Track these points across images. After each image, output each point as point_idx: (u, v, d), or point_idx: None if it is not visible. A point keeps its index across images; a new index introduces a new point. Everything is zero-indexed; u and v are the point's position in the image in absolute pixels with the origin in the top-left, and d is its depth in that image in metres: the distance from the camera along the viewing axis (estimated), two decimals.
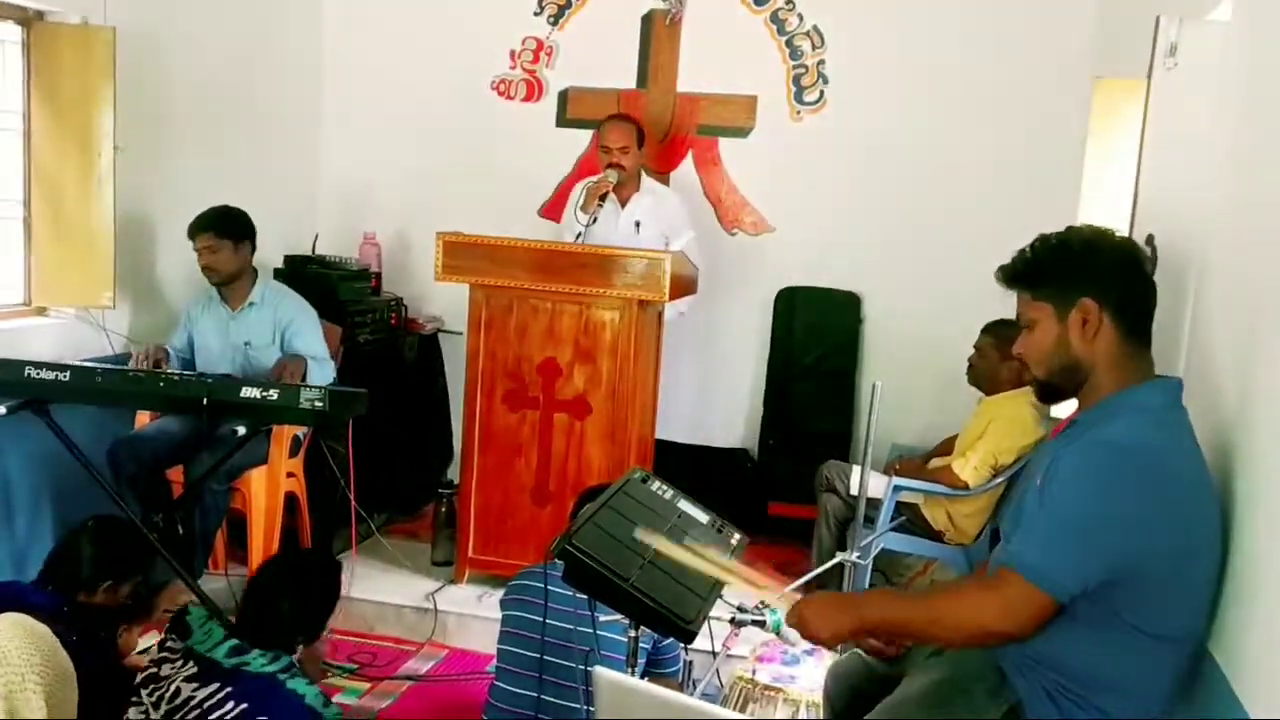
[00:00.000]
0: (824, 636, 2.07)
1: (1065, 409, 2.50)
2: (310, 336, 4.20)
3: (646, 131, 4.99)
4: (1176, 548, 1.90)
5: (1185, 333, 2.45)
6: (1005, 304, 4.17)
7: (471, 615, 3.94)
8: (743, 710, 2.93)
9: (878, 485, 3.89)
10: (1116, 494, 1.89)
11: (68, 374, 3.54)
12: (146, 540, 3.12)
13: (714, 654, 2.87)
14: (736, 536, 2.50)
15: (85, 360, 3.82)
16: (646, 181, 4.54)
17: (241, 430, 3.55)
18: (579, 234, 4.17)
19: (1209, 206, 2.43)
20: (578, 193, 4.37)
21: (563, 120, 5.25)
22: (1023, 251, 2.12)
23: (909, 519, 4.04)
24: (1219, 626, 1.98)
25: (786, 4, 4.97)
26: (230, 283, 4.16)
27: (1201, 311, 2.39)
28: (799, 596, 2.16)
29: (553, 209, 5.11)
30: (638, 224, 4.40)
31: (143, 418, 4.13)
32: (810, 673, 2.97)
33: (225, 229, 4.09)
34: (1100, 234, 2.07)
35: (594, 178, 4.39)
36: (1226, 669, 1.93)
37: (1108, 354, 2.03)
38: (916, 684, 2.16)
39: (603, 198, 4.23)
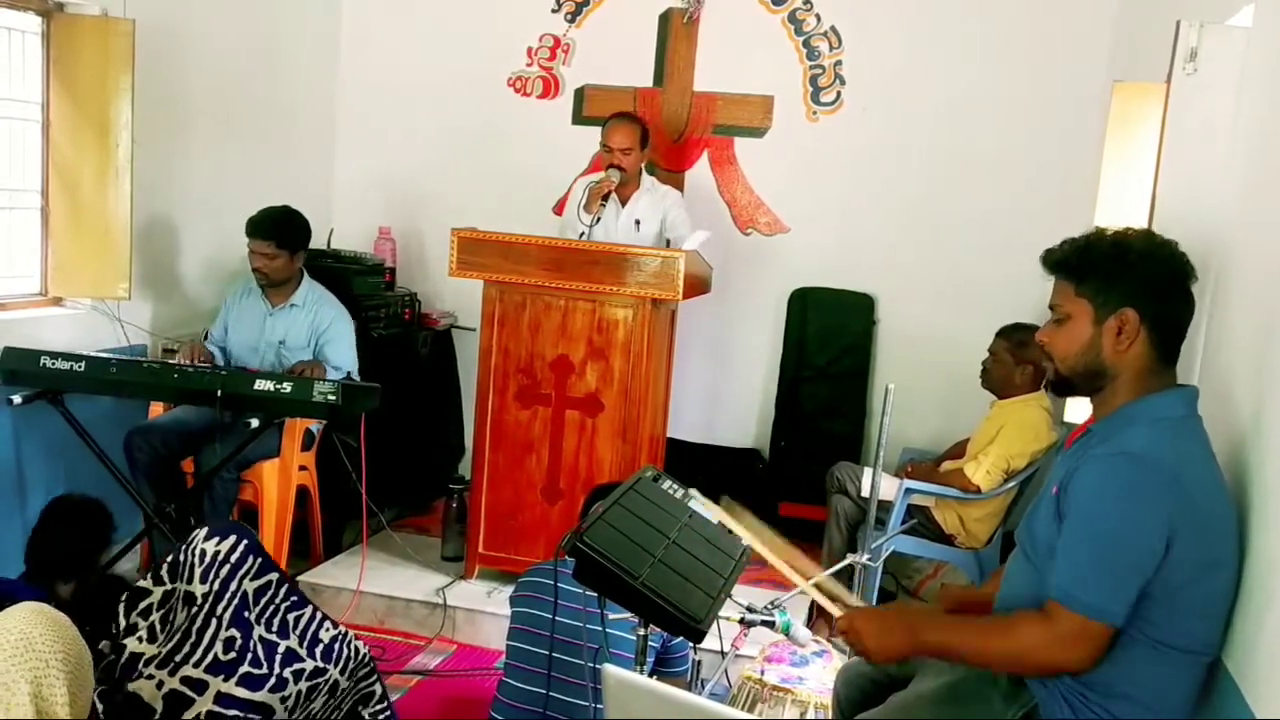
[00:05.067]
0: (877, 655, 2.08)
1: (1079, 414, 2.49)
2: (342, 347, 4.23)
3: (662, 130, 5.00)
4: (1198, 560, 1.89)
5: (1201, 340, 2.44)
6: (1019, 307, 4.19)
7: (481, 611, 3.95)
8: (750, 710, 2.92)
9: (889, 488, 3.88)
10: (1142, 509, 1.88)
11: (82, 364, 3.57)
12: (104, 513, 3.09)
13: (723, 654, 2.86)
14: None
15: (100, 352, 3.83)
16: (647, 180, 4.52)
17: (254, 423, 3.58)
18: (582, 233, 4.16)
19: (1226, 213, 2.42)
20: (580, 191, 4.33)
21: (579, 118, 5.25)
22: (1075, 242, 2.07)
23: (920, 522, 4.04)
24: (1230, 634, 1.97)
25: (804, 4, 4.96)
26: (278, 285, 4.19)
27: (1217, 318, 2.38)
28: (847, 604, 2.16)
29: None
30: (638, 222, 4.38)
31: (156, 407, 4.15)
32: (819, 674, 2.97)
33: (287, 240, 4.13)
34: (1157, 245, 2.03)
35: (595, 176, 4.38)
36: (1237, 676, 1.92)
37: (1135, 366, 2.01)
38: (929, 683, 2.16)
39: (605, 197, 4.23)
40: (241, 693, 2.51)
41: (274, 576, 2.69)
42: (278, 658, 2.59)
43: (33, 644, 1.97)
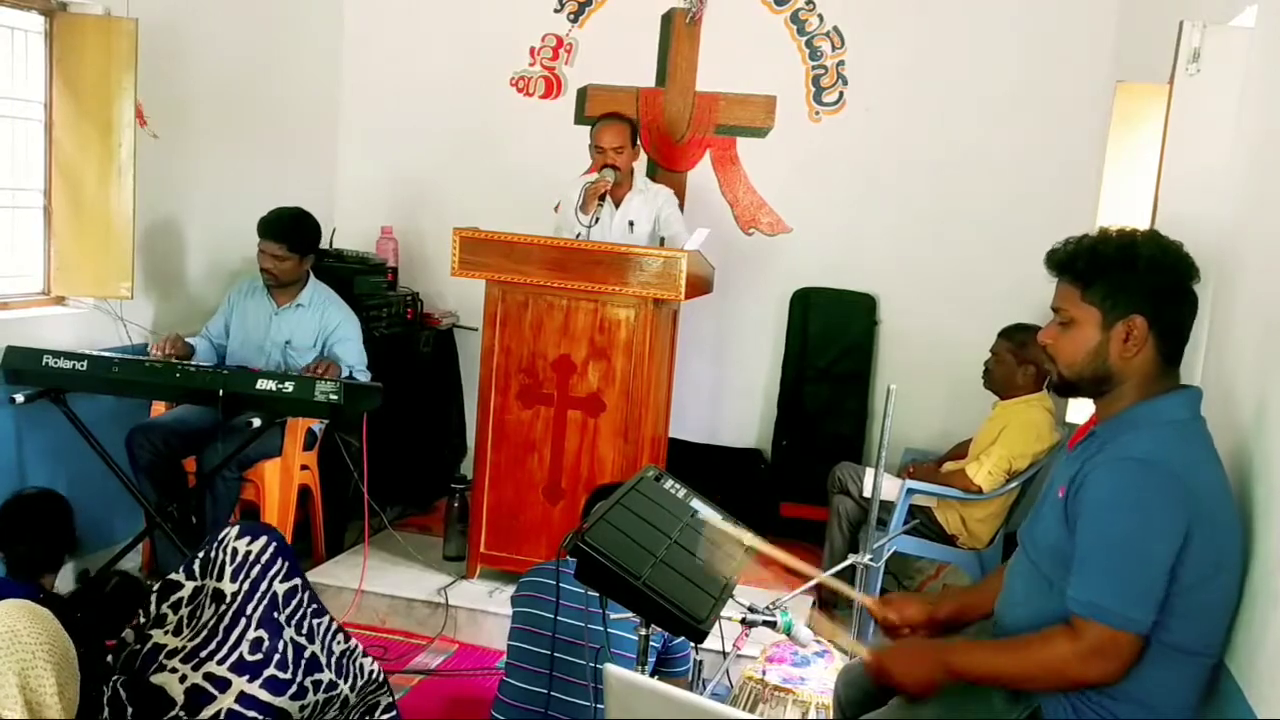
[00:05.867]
0: (916, 689, 2.07)
1: (1081, 414, 2.49)
2: (352, 346, 4.25)
3: (665, 130, 5.00)
4: (1204, 562, 1.88)
5: (1203, 340, 2.44)
6: (1021, 308, 4.19)
7: (483, 611, 3.95)
8: (752, 710, 2.92)
9: (891, 488, 3.88)
10: (1155, 515, 1.87)
11: (85, 364, 3.58)
12: (58, 499, 3.09)
13: (724, 654, 2.86)
14: (749, 536, 2.50)
15: (103, 351, 3.84)
16: (640, 180, 4.53)
17: (256, 422, 3.58)
18: (578, 234, 4.16)
19: (1229, 214, 2.42)
20: (578, 194, 4.32)
21: (581, 118, 5.24)
22: (1080, 243, 2.04)
23: (922, 522, 4.04)
24: (1233, 636, 1.97)
25: (807, 4, 4.96)
26: (285, 286, 4.19)
27: (1220, 319, 2.38)
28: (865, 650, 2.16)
29: None
30: (631, 223, 4.38)
31: (159, 406, 4.16)
32: (820, 674, 2.96)
33: (298, 243, 4.15)
34: (1164, 249, 2.00)
35: (592, 177, 4.37)
36: (1239, 678, 1.92)
37: (1141, 371, 2.00)
38: None
39: (601, 198, 4.22)
40: (264, 695, 2.50)
41: (299, 581, 2.69)
42: (304, 662, 2.59)
43: (18, 637, 1.99)
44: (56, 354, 3.59)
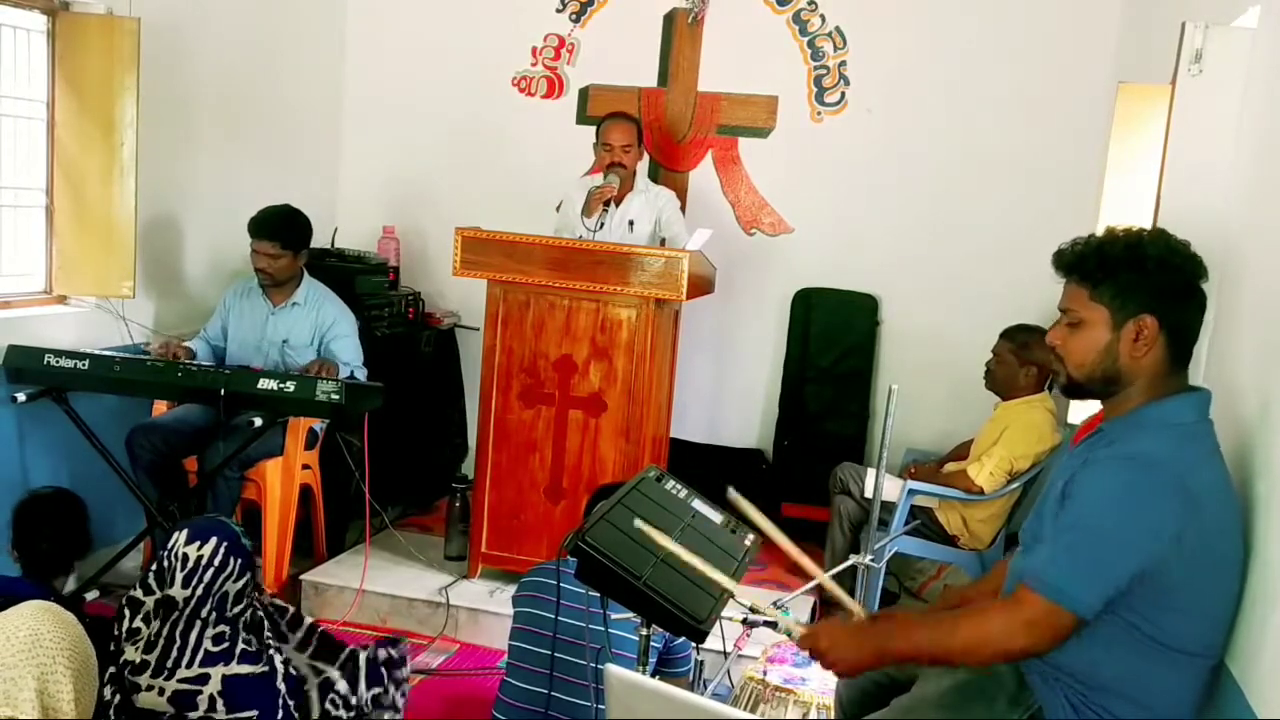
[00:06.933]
0: (844, 668, 2.06)
1: (1082, 415, 2.49)
2: (348, 343, 4.24)
3: (666, 130, 4.99)
4: (1200, 563, 1.88)
5: (1206, 340, 2.44)
6: (1023, 308, 4.18)
7: (483, 611, 3.95)
8: (753, 711, 2.92)
9: (892, 488, 3.88)
10: (1135, 511, 1.86)
11: (86, 363, 3.58)
12: (73, 500, 3.09)
13: (725, 654, 2.87)
14: (750, 537, 2.51)
15: (105, 350, 3.84)
16: (641, 181, 4.52)
17: (258, 421, 3.58)
18: (579, 236, 4.16)
19: (1232, 214, 2.41)
20: (581, 195, 4.30)
21: (583, 118, 5.24)
22: (1088, 243, 2.03)
23: (923, 523, 4.04)
24: (1234, 637, 1.97)
25: (809, 4, 4.96)
26: (280, 285, 4.20)
27: (1223, 319, 2.38)
28: (801, 624, 2.15)
29: None
30: (631, 223, 4.38)
31: (160, 406, 4.16)
32: (821, 675, 2.97)
33: (291, 240, 4.14)
34: (1173, 249, 1.99)
35: (595, 178, 4.36)
36: (1240, 679, 1.92)
37: (1150, 371, 1.99)
38: (932, 686, 2.16)
39: (606, 203, 4.22)
40: (245, 669, 2.53)
41: (250, 576, 2.68)
42: (266, 635, 2.64)
43: (40, 640, 1.99)
44: (58, 353, 3.59)
